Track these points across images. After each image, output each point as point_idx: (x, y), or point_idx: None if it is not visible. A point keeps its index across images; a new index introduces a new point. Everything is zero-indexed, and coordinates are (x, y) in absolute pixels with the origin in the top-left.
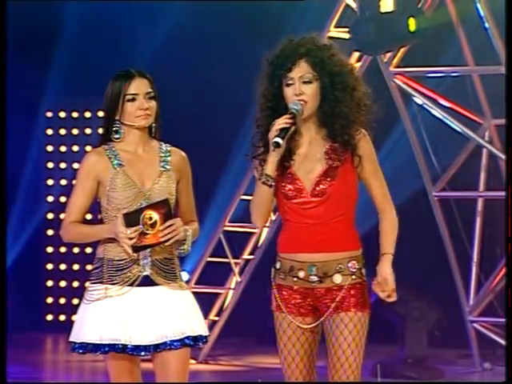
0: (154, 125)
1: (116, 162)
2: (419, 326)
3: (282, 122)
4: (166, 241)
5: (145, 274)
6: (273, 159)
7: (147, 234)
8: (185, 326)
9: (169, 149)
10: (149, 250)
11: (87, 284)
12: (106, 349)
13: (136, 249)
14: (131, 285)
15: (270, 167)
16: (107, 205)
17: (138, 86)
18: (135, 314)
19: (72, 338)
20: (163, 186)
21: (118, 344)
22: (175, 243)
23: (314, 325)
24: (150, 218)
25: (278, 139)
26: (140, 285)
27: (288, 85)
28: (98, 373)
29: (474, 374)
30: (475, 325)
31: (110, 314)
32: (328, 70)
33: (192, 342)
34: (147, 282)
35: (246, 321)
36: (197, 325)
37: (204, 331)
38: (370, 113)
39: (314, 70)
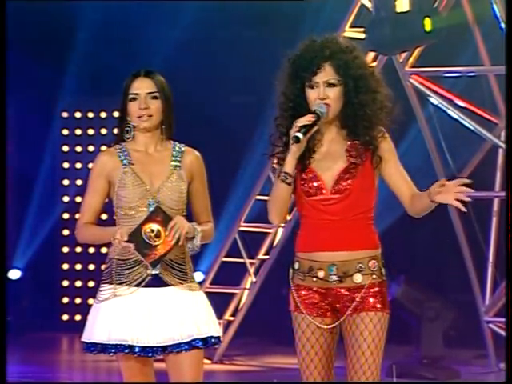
0: (163, 126)
1: (126, 161)
2: (435, 327)
3: (304, 120)
4: (177, 242)
5: (154, 273)
6: (292, 157)
7: (157, 245)
8: (192, 329)
9: (183, 149)
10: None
11: (100, 284)
12: (113, 350)
13: (154, 263)
14: (138, 285)
15: (289, 165)
16: (117, 204)
17: (140, 86)
18: (143, 314)
19: (83, 338)
20: (173, 185)
21: (124, 344)
22: (186, 241)
23: (333, 325)
24: (152, 231)
25: (299, 134)
26: (149, 285)
27: (311, 87)
28: (113, 373)
29: (490, 374)
30: (491, 325)
31: (118, 315)
32: (352, 74)
33: (202, 344)
34: (157, 281)
35: (262, 321)
36: (207, 326)
37: (216, 332)
38: (391, 114)
39: (338, 74)
